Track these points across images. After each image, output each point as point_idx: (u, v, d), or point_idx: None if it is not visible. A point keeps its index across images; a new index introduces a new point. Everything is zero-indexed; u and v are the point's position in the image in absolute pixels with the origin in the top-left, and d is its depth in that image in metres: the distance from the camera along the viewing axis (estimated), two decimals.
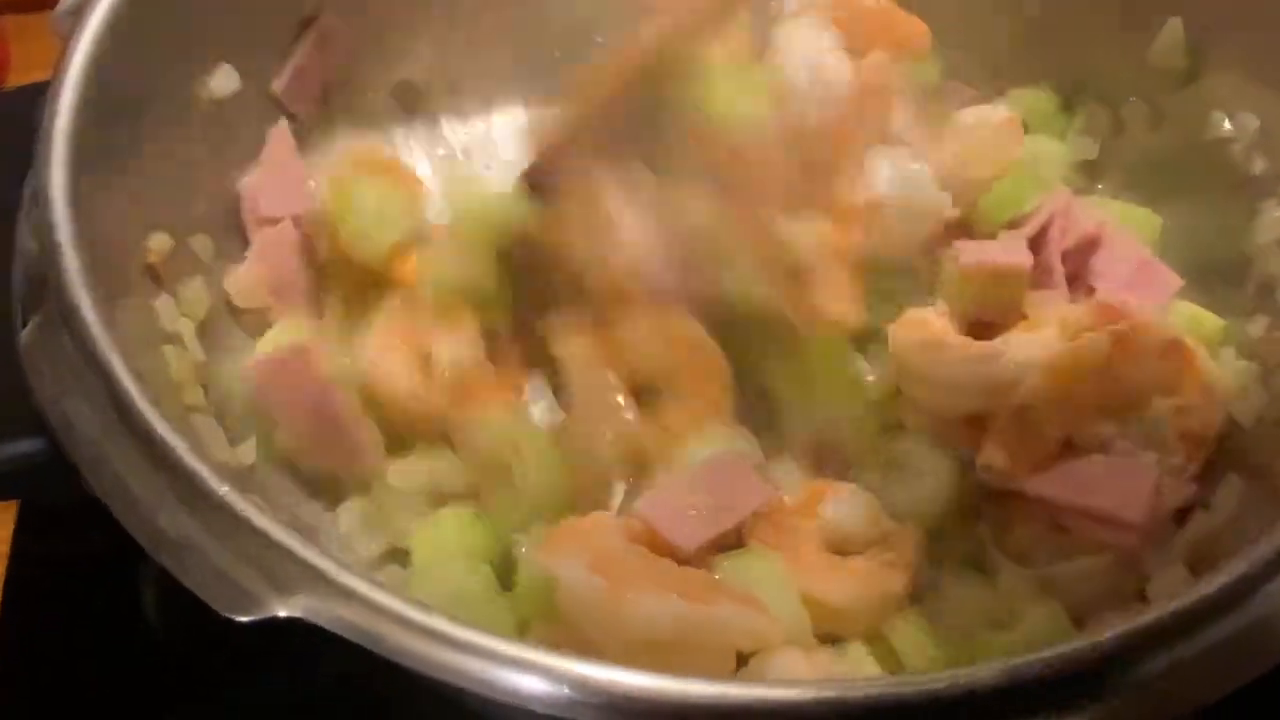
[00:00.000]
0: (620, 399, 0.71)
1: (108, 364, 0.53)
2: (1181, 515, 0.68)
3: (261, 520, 0.47)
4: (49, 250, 0.57)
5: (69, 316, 0.55)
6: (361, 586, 0.45)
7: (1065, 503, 0.68)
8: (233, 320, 0.78)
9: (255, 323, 0.79)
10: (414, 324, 0.74)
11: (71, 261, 0.57)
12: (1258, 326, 0.75)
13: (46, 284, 0.57)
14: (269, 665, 0.69)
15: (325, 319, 0.79)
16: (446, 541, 0.66)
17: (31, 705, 0.74)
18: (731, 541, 0.66)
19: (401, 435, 0.73)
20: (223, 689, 0.73)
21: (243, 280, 0.78)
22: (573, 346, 0.72)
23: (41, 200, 0.59)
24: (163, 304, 0.69)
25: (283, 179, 0.82)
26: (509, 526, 0.67)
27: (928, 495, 0.70)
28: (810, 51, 0.79)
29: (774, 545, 0.66)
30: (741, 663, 0.57)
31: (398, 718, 0.67)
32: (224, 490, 0.48)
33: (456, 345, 0.73)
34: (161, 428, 0.50)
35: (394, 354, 0.73)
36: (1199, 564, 0.62)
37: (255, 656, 0.68)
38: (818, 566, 0.65)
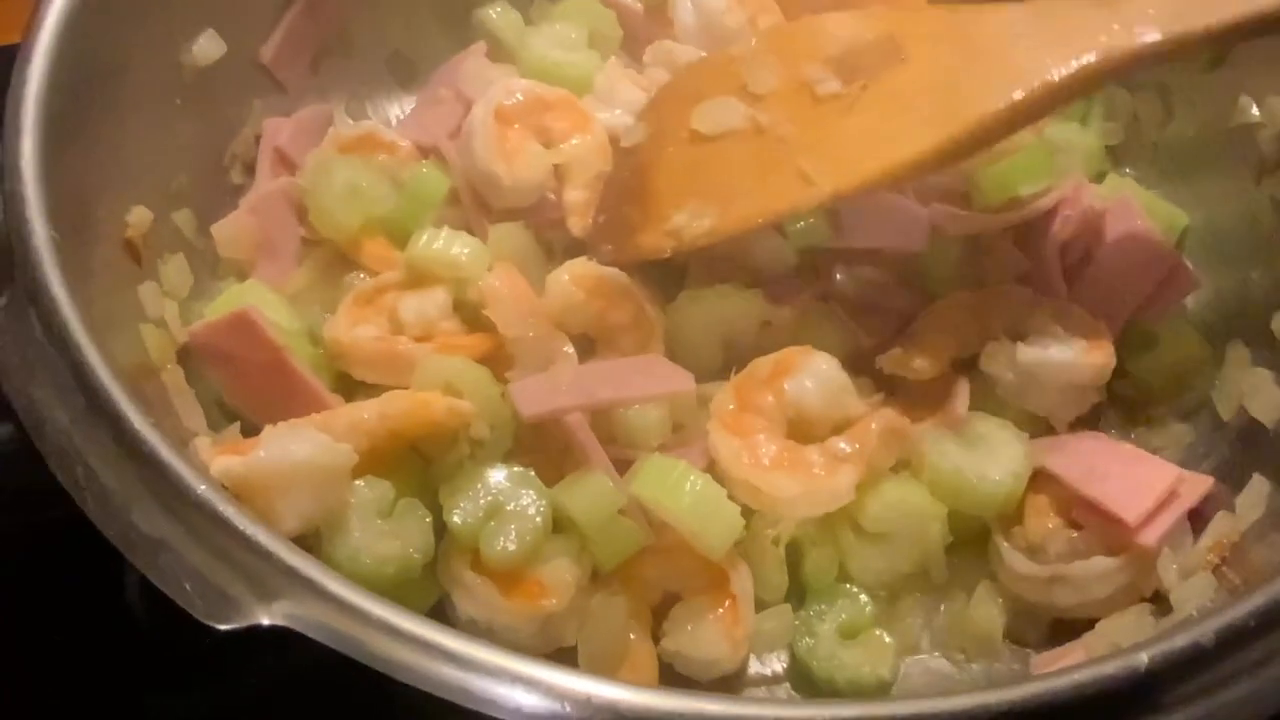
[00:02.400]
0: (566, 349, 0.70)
1: (78, 347, 0.50)
2: (1200, 516, 0.66)
3: (242, 520, 0.44)
4: (17, 225, 0.54)
5: (38, 296, 0.52)
6: (349, 593, 0.43)
7: (1071, 484, 0.66)
8: (218, 293, 0.75)
9: None
10: (382, 299, 0.72)
11: (41, 238, 0.54)
12: (1279, 322, 0.72)
13: (14, 261, 0.54)
14: (261, 648, 0.66)
15: (297, 276, 0.76)
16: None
17: (9, 690, 0.71)
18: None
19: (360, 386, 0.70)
20: (211, 674, 0.70)
21: (230, 228, 0.75)
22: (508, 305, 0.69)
23: (10, 171, 0.56)
24: (146, 290, 0.65)
25: (308, 128, 0.81)
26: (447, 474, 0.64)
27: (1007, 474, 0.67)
28: None
29: (733, 430, 0.65)
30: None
31: (399, 704, 0.64)
32: (202, 488, 0.45)
33: (423, 303, 0.71)
34: (136, 418, 0.47)
35: (362, 325, 0.71)
36: (1224, 569, 0.60)
37: (246, 641, 0.65)
38: (767, 461, 0.65)
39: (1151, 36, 0.59)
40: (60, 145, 0.59)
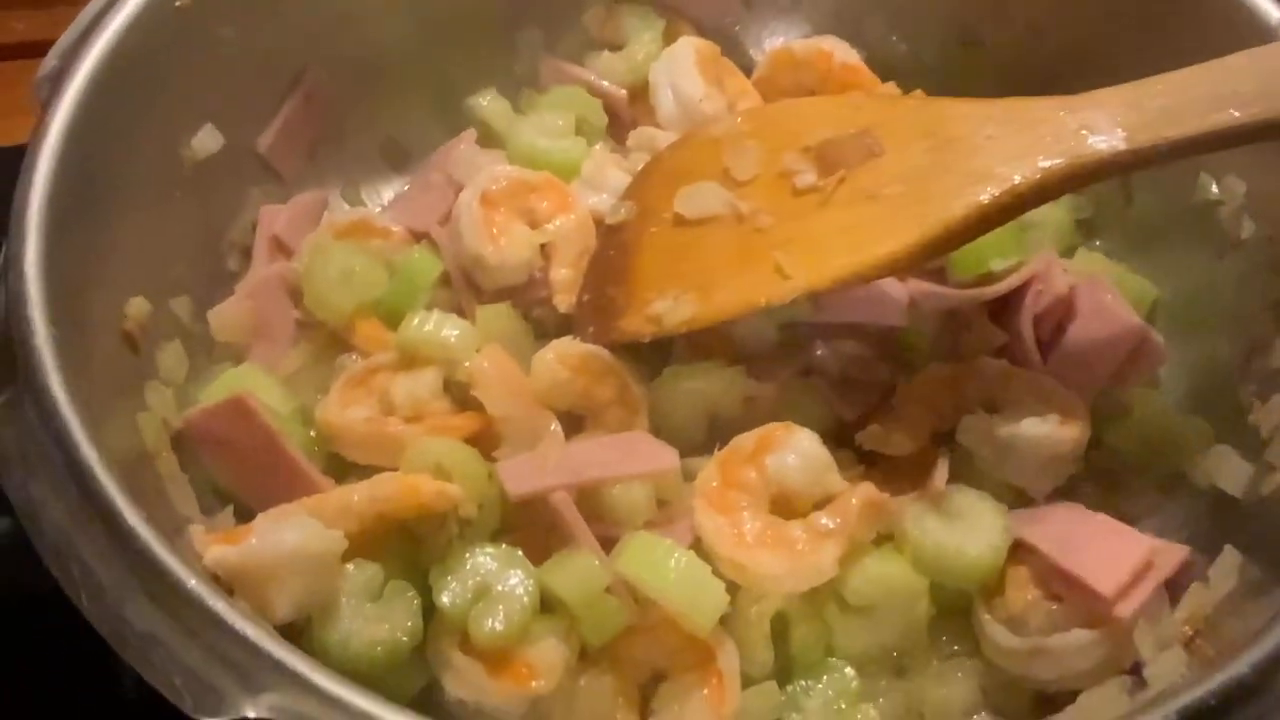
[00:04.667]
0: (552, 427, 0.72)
1: (75, 446, 0.52)
2: (1176, 586, 0.67)
3: (230, 615, 0.46)
4: (19, 326, 0.56)
5: (38, 394, 0.54)
6: (333, 686, 0.44)
7: (1048, 556, 0.67)
8: (212, 377, 0.77)
9: None
10: (374, 380, 0.74)
11: (42, 336, 0.56)
12: (1247, 393, 0.74)
13: (16, 359, 0.56)
14: None
15: (292, 357, 0.78)
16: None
17: None
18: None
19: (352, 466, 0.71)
20: None
21: (227, 313, 0.78)
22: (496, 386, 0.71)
23: (14, 272, 0.58)
24: (151, 389, 0.67)
25: (304, 214, 0.84)
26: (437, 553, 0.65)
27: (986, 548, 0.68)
28: (671, 78, 0.86)
29: (717, 507, 0.67)
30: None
31: None
32: (192, 583, 0.46)
33: (413, 384, 0.72)
34: (130, 514, 0.49)
35: (354, 406, 0.72)
36: (1197, 642, 0.61)
37: None
38: (751, 538, 0.66)
39: (1117, 145, 0.61)
40: (62, 244, 0.61)
